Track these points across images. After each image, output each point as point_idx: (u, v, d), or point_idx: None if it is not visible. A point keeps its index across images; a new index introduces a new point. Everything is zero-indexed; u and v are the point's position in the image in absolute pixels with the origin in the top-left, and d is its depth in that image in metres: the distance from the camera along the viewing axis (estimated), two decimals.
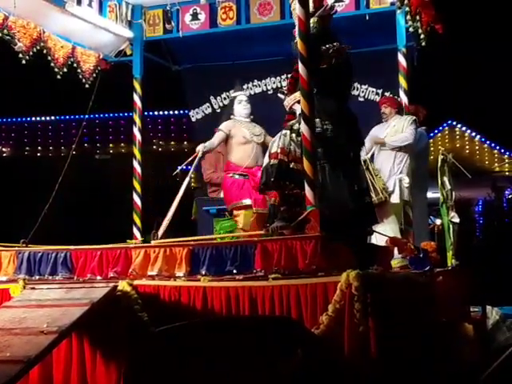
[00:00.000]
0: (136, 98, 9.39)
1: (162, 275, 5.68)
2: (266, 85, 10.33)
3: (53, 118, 19.33)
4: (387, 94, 9.57)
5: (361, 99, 9.78)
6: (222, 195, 8.59)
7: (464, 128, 19.10)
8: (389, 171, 8.01)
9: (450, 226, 7.53)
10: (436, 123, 18.48)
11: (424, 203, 8.97)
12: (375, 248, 6.60)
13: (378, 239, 7.05)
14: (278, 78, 10.21)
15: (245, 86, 10.40)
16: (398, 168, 8.06)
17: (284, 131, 6.16)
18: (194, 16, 9.27)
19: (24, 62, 8.08)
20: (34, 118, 19.43)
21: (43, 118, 19.41)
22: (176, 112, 18.76)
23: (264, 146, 7.64)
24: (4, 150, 19.53)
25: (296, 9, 5.78)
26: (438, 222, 9.39)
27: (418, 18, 8.01)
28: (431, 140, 17.85)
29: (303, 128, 5.62)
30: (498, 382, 6.02)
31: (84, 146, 18.56)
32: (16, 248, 6.51)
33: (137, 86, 9.39)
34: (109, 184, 16.28)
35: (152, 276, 5.71)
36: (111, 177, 15.95)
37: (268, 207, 6.47)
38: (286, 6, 8.75)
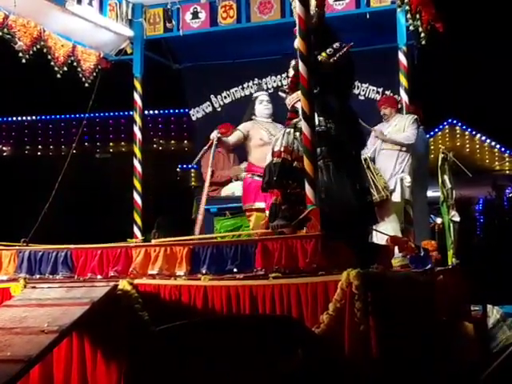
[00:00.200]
0: (136, 97, 9.39)
1: (162, 274, 5.68)
2: (266, 83, 10.32)
3: (53, 116, 19.34)
4: (388, 92, 9.56)
5: (361, 98, 9.77)
6: (222, 194, 8.59)
7: (464, 127, 19.12)
8: (390, 170, 8.00)
9: (451, 224, 7.53)
10: (436, 122, 18.49)
11: (424, 202, 8.97)
12: (376, 247, 6.60)
13: (378, 238, 7.05)
14: (279, 76, 10.19)
15: (245, 85, 10.41)
16: (399, 167, 8.06)
17: (288, 129, 6.15)
18: (195, 15, 9.26)
19: (24, 60, 8.08)
20: (34, 117, 19.43)
21: (43, 117, 19.42)
22: (176, 111, 18.76)
23: None
24: (4, 149, 19.53)
25: (296, 7, 5.77)
26: (439, 220, 9.39)
27: (418, 16, 8.01)
28: (431, 139, 17.87)
29: (304, 127, 5.62)
30: (499, 382, 6.03)
31: (84, 145, 18.58)
32: (16, 247, 6.51)
33: (137, 84, 9.39)
34: (109, 183, 16.28)
35: (152, 275, 5.70)
36: (111, 176, 15.95)
37: (270, 206, 6.46)
38: (286, 5, 8.75)
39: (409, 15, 8.08)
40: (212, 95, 10.55)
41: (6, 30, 7.85)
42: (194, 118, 10.78)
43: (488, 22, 17.38)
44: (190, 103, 10.90)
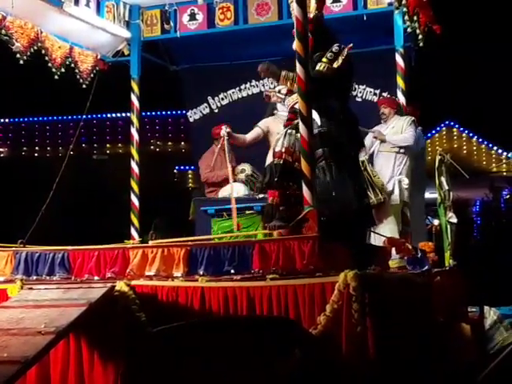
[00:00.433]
0: (133, 98, 9.39)
1: (159, 275, 5.67)
2: (263, 85, 10.33)
3: (50, 118, 19.33)
4: (385, 94, 9.58)
5: (358, 99, 9.78)
6: (219, 195, 8.59)
7: (462, 128, 19.15)
8: (389, 173, 8.02)
9: (448, 226, 7.54)
10: (434, 123, 18.52)
11: (421, 204, 8.98)
12: (373, 248, 6.61)
13: (376, 239, 7.06)
14: None
15: (242, 87, 10.41)
16: (397, 169, 8.07)
17: (289, 130, 6.16)
18: (192, 16, 9.27)
19: (21, 62, 8.08)
20: (31, 118, 19.43)
21: (41, 118, 19.42)
22: (174, 112, 18.78)
23: None
24: (1, 150, 19.52)
25: (294, 9, 5.78)
26: (436, 222, 9.39)
27: (415, 18, 8.02)
28: (429, 140, 17.90)
29: (301, 128, 5.62)
30: (496, 382, 6.03)
31: (82, 147, 18.58)
32: (13, 248, 6.50)
33: (134, 86, 9.39)
34: (106, 184, 16.28)
35: (150, 276, 5.70)
36: (109, 177, 15.95)
37: (266, 207, 6.47)
38: (283, 7, 8.76)
39: (406, 17, 8.09)
40: (209, 97, 10.57)
41: (3, 31, 7.85)
42: (191, 120, 10.79)
43: (485, 24, 17.40)
44: (187, 105, 10.90)
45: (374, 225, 6.90)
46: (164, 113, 19.04)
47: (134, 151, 9.31)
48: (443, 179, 7.60)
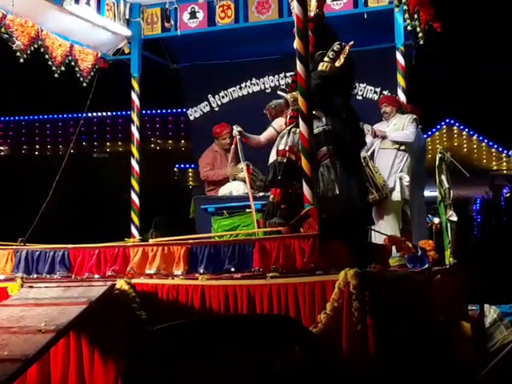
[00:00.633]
0: (134, 97, 9.39)
1: (159, 274, 5.68)
2: (264, 83, 10.33)
3: (51, 116, 19.33)
4: (385, 92, 9.57)
5: (359, 98, 9.77)
6: (219, 193, 8.59)
7: (462, 126, 19.14)
8: (389, 170, 8.02)
9: (448, 224, 7.53)
10: (434, 122, 18.51)
11: (422, 201, 8.97)
12: (373, 246, 6.61)
13: (376, 238, 7.06)
14: (276, 76, 10.20)
15: (243, 85, 10.41)
16: (398, 167, 8.07)
17: (293, 128, 6.16)
18: (192, 14, 9.26)
19: (22, 60, 8.07)
20: (31, 117, 19.42)
21: (41, 117, 19.41)
22: (174, 110, 18.77)
23: None
24: (2, 148, 19.52)
25: (294, 7, 5.78)
26: (436, 220, 9.39)
27: (416, 16, 8.02)
28: (429, 139, 17.90)
29: (301, 126, 5.62)
30: (496, 381, 6.03)
31: (82, 145, 18.59)
32: (14, 246, 6.50)
33: (135, 84, 9.39)
34: (107, 183, 16.28)
35: (150, 274, 5.70)
36: (109, 175, 15.95)
37: (268, 204, 6.47)
38: (284, 5, 8.76)
39: (407, 15, 8.08)
40: (210, 95, 10.56)
41: (3, 29, 7.84)
42: (191, 118, 10.78)
43: (485, 22, 17.39)
44: (187, 103, 10.90)
45: (374, 223, 6.91)
46: (164, 111, 19.04)
47: (134, 149, 9.31)
48: (443, 177, 7.60)
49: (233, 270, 5.49)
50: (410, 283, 5.83)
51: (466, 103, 17.80)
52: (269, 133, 8.08)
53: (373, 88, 9.84)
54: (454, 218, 7.58)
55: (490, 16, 17.27)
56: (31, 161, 18.76)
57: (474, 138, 19.07)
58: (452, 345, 6.37)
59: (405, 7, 8.05)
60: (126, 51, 9.49)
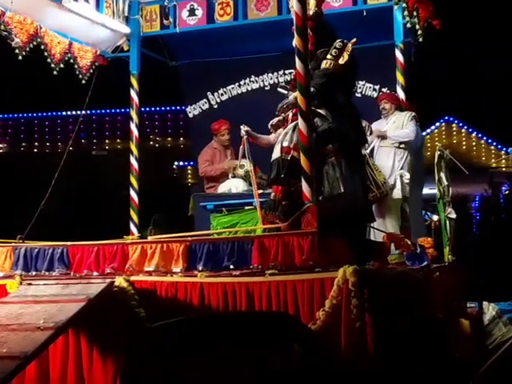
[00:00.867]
0: (133, 94, 9.38)
1: (158, 271, 5.68)
2: (263, 80, 10.31)
3: (49, 113, 19.31)
4: (384, 89, 9.56)
5: (358, 95, 9.76)
6: (218, 191, 8.59)
7: (461, 124, 19.13)
8: (390, 167, 8.01)
9: (447, 221, 7.54)
10: (433, 119, 18.50)
11: (419, 199, 8.97)
12: (372, 244, 6.61)
13: (375, 235, 7.06)
14: (275, 73, 10.19)
15: (242, 82, 10.40)
16: (398, 164, 8.06)
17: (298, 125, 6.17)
18: (191, 12, 9.25)
19: (21, 57, 8.06)
20: (30, 114, 19.40)
21: (40, 114, 19.39)
22: (173, 108, 18.75)
23: None
24: (0, 146, 19.50)
25: (294, 5, 5.78)
26: (435, 217, 9.40)
27: (415, 13, 8.01)
28: (428, 136, 17.89)
29: (300, 124, 5.63)
30: (495, 377, 6.04)
31: (81, 142, 18.56)
32: (13, 244, 6.50)
33: (134, 81, 9.38)
34: (106, 180, 16.27)
35: (149, 272, 5.71)
36: (108, 173, 15.94)
37: (269, 200, 6.48)
38: (283, 2, 8.75)
39: (406, 12, 8.08)
40: (209, 92, 10.55)
41: (2, 26, 7.83)
42: (190, 115, 10.77)
43: (485, 19, 17.38)
44: (186, 100, 10.88)
45: (374, 221, 6.92)
46: (163, 108, 19.01)
47: (133, 147, 9.31)
48: (442, 175, 7.60)
49: (232, 267, 5.49)
50: (408, 280, 5.84)
51: (465, 100, 17.79)
52: (277, 132, 8.03)
53: (372, 85, 9.83)
54: (453, 216, 7.59)
55: (490, 13, 17.26)
56: (30, 158, 18.73)
57: (473, 135, 19.06)
58: (451, 342, 6.38)
59: (404, 4, 8.05)
60: (125, 48, 9.48)
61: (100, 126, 19.12)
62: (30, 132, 19.42)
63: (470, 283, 7.31)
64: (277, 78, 10.15)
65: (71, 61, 8.84)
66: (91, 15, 8.79)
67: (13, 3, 7.64)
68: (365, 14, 8.61)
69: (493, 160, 18.69)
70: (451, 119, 19.15)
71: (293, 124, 6.27)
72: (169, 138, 19.24)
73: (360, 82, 9.81)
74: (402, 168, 8.08)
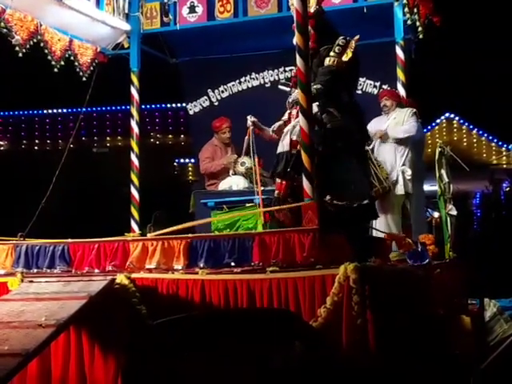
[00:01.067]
0: (133, 91, 9.38)
1: (159, 268, 5.68)
2: (263, 78, 10.32)
3: (50, 111, 19.31)
4: (385, 86, 9.56)
5: (358, 92, 9.73)
6: (219, 188, 8.59)
7: (462, 121, 19.12)
8: (392, 163, 8.01)
9: (448, 218, 7.53)
10: (434, 116, 18.50)
11: (421, 196, 8.97)
12: (374, 240, 6.62)
13: (377, 232, 7.06)
14: (276, 70, 10.19)
15: (242, 79, 10.40)
16: (400, 160, 8.07)
17: None
18: (192, 9, 9.25)
19: (21, 55, 8.05)
20: (31, 112, 19.40)
21: (40, 112, 19.39)
22: (173, 105, 18.75)
23: None
24: (1, 143, 19.50)
25: (294, 2, 5.77)
26: (436, 214, 9.39)
27: (415, 10, 8.01)
28: (429, 133, 17.89)
29: (301, 120, 5.62)
30: (496, 374, 6.04)
31: (81, 140, 18.56)
32: (14, 241, 6.50)
33: (134, 79, 9.38)
34: (106, 177, 16.27)
35: (150, 269, 5.71)
36: (109, 170, 15.94)
37: (273, 200, 6.48)
38: None
39: (406, 9, 8.08)
40: (209, 89, 10.55)
41: (2, 24, 7.82)
42: (191, 113, 10.77)
43: (485, 16, 17.37)
44: (187, 97, 10.89)
45: (378, 217, 6.93)
46: (164, 106, 19.02)
47: (133, 144, 9.31)
48: (443, 172, 7.59)
49: (233, 264, 5.49)
50: (409, 277, 5.84)
51: (465, 97, 17.79)
52: (279, 122, 8.01)
53: (372, 82, 9.83)
54: (454, 212, 7.58)
55: (490, 10, 17.25)
56: (31, 156, 18.74)
57: (474, 132, 19.05)
58: (452, 339, 6.38)
59: (404, 1, 8.05)
60: (126, 46, 9.47)
61: (101, 123, 19.13)
62: (30, 129, 19.42)
63: (471, 280, 7.31)
64: (277, 75, 10.15)
65: (71, 58, 8.83)
66: (91, 12, 8.79)
67: (13, 1, 7.63)
68: (365, 10, 8.61)
69: (494, 157, 18.69)
70: (452, 116, 19.15)
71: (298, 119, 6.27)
72: (169, 135, 19.24)
73: (360, 78, 9.81)
74: (403, 164, 8.08)
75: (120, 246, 5.89)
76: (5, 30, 7.87)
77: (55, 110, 19.22)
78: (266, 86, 10.25)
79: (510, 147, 18.79)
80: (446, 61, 17.59)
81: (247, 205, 7.79)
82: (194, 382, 4.72)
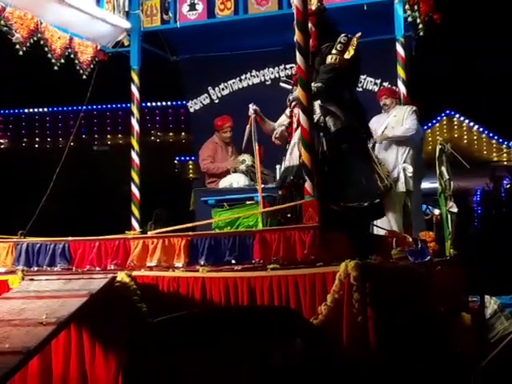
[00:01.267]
0: (134, 89, 9.37)
1: (160, 266, 5.68)
2: (264, 75, 10.31)
3: (50, 109, 19.30)
4: (385, 84, 9.55)
5: (359, 89, 9.72)
6: (220, 186, 8.59)
7: (462, 118, 19.10)
8: (393, 161, 8.01)
9: (449, 215, 7.54)
10: (434, 113, 18.49)
11: (419, 194, 8.97)
12: (374, 237, 6.62)
13: (378, 229, 7.06)
14: (276, 68, 10.19)
15: (243, 77, 10.39)
16: (401, 158, 8.06)
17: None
18: (192, 6, 9.24)
19: (21, 53, 8.05)
20: (31, 110, 19.39)
21: (41, 110, 19.38)
22: (174, 103, 18.72)
23: None
24: (1, 141, 19.50)
25: (294, 1, 5.77)
26: (437, 212, 9.40)
27: (416, 7, 8.01)
28: (429, 130, 17.88)
29: (301, 118, 5.62)
30: (496, 371, 6.04)
31: (82, 138, 18.55)
32: (14, 239, 6.51)
33: (134, 76, 9.37)
34: (107, 175, 16.26)
35: (151, 267, 5.71)
36: (109, 168, 15.93)
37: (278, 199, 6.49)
38: None
39: (407, 6, 8.08)
40: (210, 87, 10.54)
41: (2, 22, 7.82)
42: (191, 110, 10.76)
43: (486, 13, 17.35)
44: (187, 95, 10.88)
45: (384, 215, 6.94)
46: (164, 103, 18.99)
47: (134, 142, 9.30)
48: (444, 169, 7.60)
49: (233, 261, 5.50)
50: (410, 274, 5.84)
51: (466, 94, 17.77)
52: (281, 118, 8.00)
53: (373, 79, 9.82)
54: (455, 210, 7.58)
55: (491, 7, 17.23)
56: (31, 154, 18.73)
57: (475, 129, 19.03)
58: (452, 336, 6.39)
59: None
60: (126, 43, 9.46)
61: (101, 121, 19.11)
62: (30, 127, 19.40)
63: (472, 277, 7.31)
64: (278, 72, 10.15)
65: (72, 56, 8.83)
66: (91, 10, 8.78)
67: None
68: (365, 7, 8.60)
69: (494, 154, 18.67)
70: (452, 113, 19.13)
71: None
72: (170, 133, 19.22)
73: (361, 76, 9.81)
74: (405, 161, 8.08)
75: (121, 244, 5.90)
76: (5, 28, 7.87)
77: (55, 108, 19.20)
78: (267, 83, 10.24)
79: (510, 144, 18.77)
80: (447, 58, 17.57)
81: (247, 202, 7.80)
82: (194, 380, 4.72)
